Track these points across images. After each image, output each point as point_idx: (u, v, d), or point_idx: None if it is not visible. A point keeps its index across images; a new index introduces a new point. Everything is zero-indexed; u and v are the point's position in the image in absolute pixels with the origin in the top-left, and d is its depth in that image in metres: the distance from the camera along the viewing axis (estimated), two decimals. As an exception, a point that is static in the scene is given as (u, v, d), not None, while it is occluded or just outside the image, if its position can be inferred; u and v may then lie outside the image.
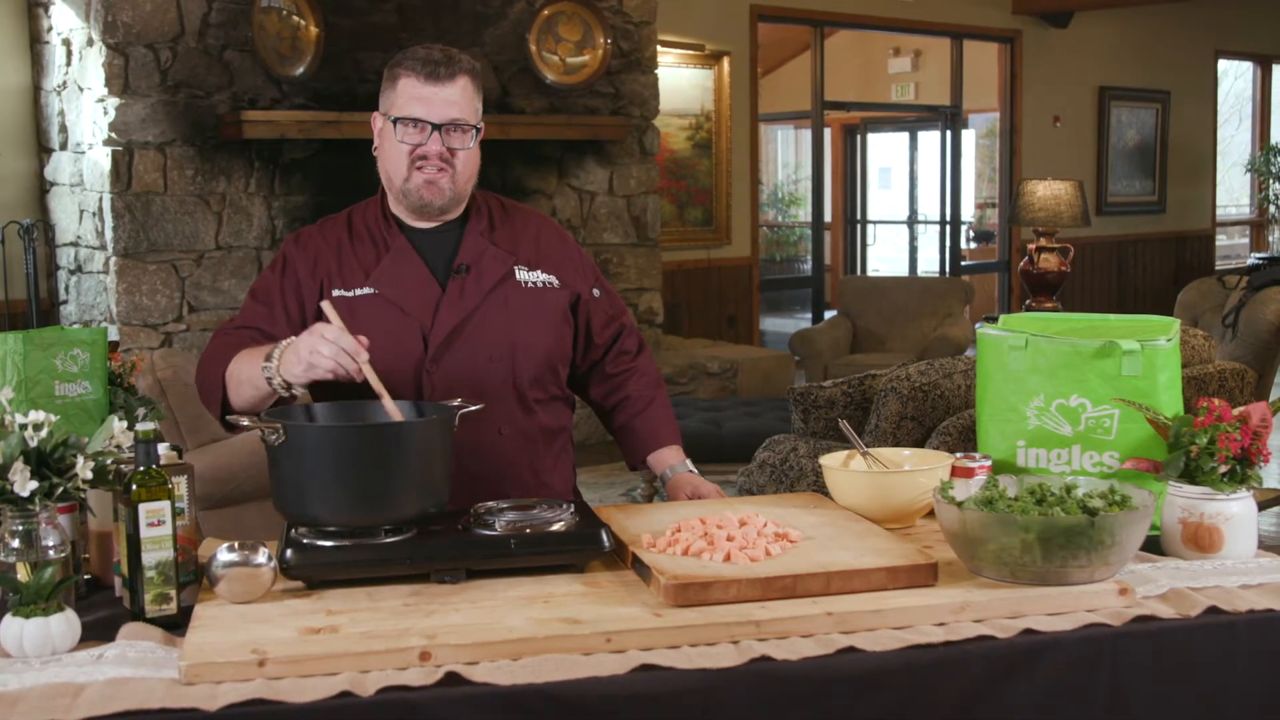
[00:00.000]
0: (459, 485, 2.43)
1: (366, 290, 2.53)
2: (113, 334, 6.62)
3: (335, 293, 2.53)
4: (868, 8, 10.66)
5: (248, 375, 2.38)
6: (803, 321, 11.62)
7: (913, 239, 14.08)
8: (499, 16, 7.78)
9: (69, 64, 6.84)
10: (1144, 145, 12.93)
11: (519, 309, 2.59)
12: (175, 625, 2.00)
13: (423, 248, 2.58)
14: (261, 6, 6.91)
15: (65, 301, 7.13)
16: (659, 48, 8.67)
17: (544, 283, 2.62)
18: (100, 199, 6.70)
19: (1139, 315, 2.59)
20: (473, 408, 2.29)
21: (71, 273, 7.06)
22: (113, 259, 6.67)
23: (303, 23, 7.05)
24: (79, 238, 6.95)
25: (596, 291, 2.74)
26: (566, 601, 2.03)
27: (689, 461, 2.77)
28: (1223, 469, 2.28)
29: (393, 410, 2.24)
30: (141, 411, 2.59)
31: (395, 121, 2.49)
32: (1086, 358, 2.44)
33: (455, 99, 2.48)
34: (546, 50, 7.96)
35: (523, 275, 2.61)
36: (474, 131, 2.51)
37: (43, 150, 7.16)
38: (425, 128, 2.48)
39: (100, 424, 2.24)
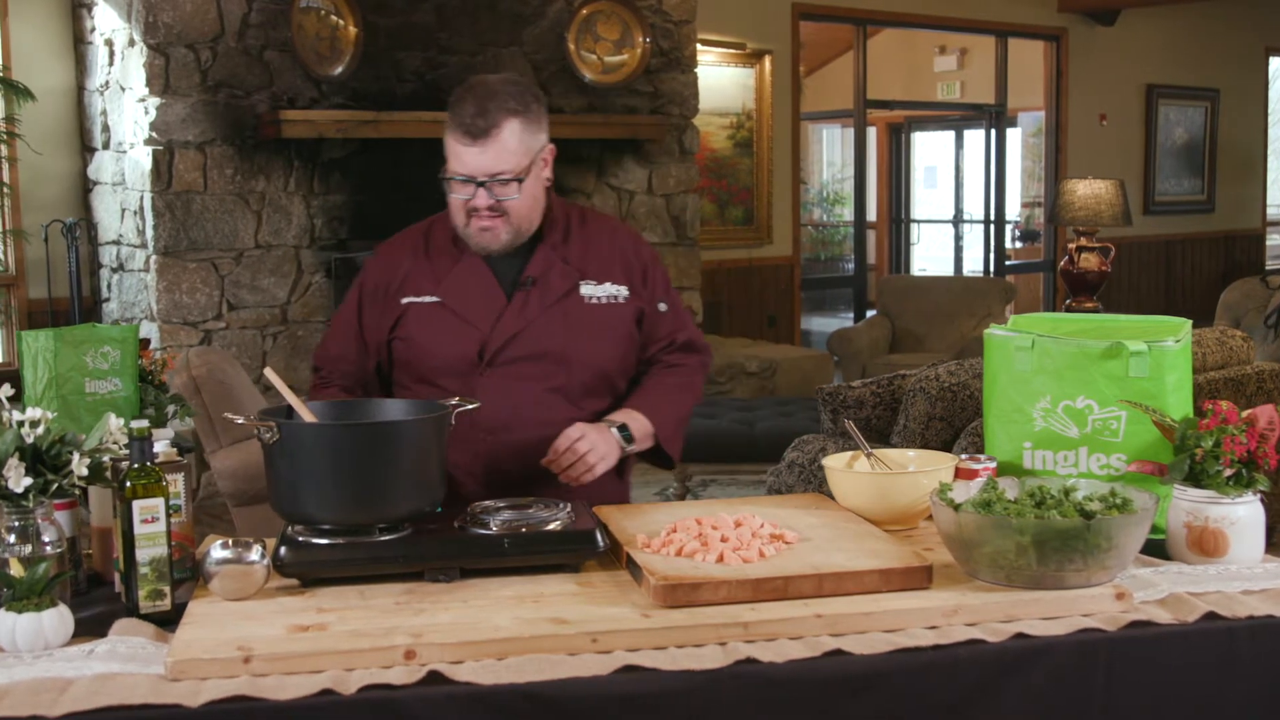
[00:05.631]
0: (502, 488, 2.50)
1: (433, 298, 2.62)
2: (153, 332, 6.69)
3: (404, 299, 2.63)
4: (912, 6, 10.58)
5: None
6: (847, 321, 11.56)
7: (958, 238, 13.97)
8: (537, 16, 7.79)
9: (111, 64, 6.91)
10: (1193, 144, 12.76)
11: (578, 322, 2.63)
12: (170, 621, 2.01)
13: (494, 261, 2.63)
14: (300, 7, 6.95)
15: (107, 299, 7.21)
16: (699, 46, 8.65)
17: (609, 297, 2.66)
18: (141, 198, 6.77)
19: (1151, 316, 2.55)
20: (470, 406, 2.29)
21: (113, 271, 7.14)
22: (153, 257, 6.74)
23: (341, 23, 7.09)
24: (120, 236, 7.02)
25: (663, 306, 2.77)
26: (557, 601, 2.03)
27: (626, 428, 2.63)
28: (1228, 472, 2.24)
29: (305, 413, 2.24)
30: (172, 409, 2.62)
31: (447, 178, 2.56)
32: (1093, 359, 2.41)
33: (495, 152, 2.50)
34: (585, 49, 7.96)
35: (588, 290, 2.65)
36: (517, 183, 2.52)
37: (86, 149, 7.24)
38: (471, 185, 2.53)
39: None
